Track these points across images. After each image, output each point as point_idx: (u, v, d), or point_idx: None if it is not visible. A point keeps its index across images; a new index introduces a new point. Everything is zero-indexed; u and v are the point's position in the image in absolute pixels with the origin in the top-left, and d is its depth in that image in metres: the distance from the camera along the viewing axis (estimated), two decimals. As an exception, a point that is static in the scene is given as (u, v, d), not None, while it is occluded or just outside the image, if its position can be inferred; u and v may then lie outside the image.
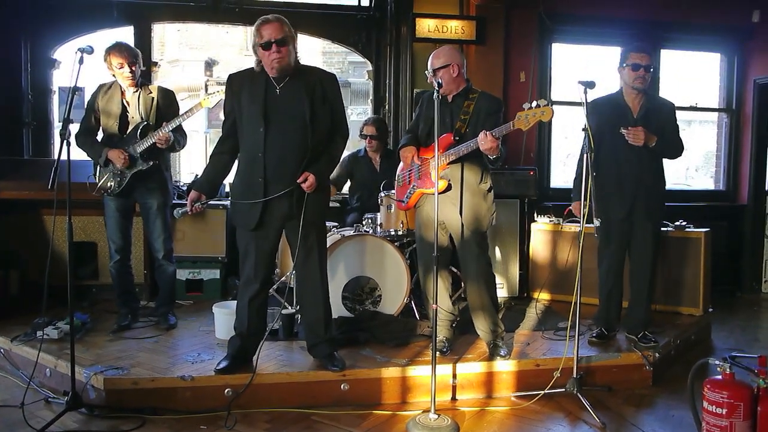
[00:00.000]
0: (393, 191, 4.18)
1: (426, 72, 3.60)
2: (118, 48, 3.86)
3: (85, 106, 4.04)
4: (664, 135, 3.79)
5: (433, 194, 3.19)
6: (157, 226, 4.06)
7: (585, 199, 3.31)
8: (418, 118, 3.77)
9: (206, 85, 12.97)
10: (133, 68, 3.88)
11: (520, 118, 3.26)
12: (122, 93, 3.97)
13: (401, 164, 3.79)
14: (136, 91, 3.96)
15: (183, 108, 4.02)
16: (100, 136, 4.04)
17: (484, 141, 3.27)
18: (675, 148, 3.89)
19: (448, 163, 3.48)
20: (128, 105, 3.96)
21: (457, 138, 3.47)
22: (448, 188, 3.50)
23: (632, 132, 3.70)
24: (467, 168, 3.51)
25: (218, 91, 3.73)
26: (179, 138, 4.00)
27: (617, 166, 3.82)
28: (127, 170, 3.90)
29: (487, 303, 3.60)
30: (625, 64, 3.79)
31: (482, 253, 3.60)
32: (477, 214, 3.54)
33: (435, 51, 3.60)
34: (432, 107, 3.58)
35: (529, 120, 3.25)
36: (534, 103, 3.25)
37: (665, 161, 3.98)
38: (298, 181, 3.16)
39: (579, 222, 3.62)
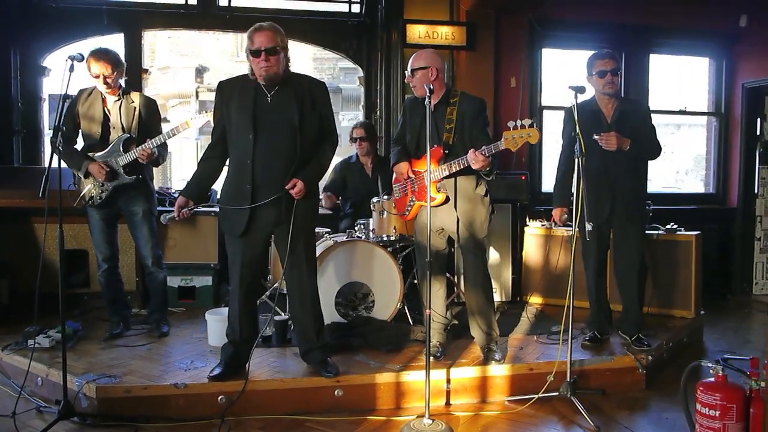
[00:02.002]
0: (386, 197, 4.18)
1: (405, 71, 3.62)
2: (96, 55, 3.74)
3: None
4: (640, 137, 3.78)
5: (434, 206, 3.25)
6: (143, 233, 4.02)
7: (578, 203, 3.32)
8: (403, 127, 3.76)
9: (197, 92, 12.95)
10: (109, 79, 3.76)
11: (508, 138, 3.25)
12: (103, 100, 3.88)
13: (395, 176, 3.79)
14: (118, 99, 3.88)
15: (166, 114, 3.99)
16: (80, 142, 3.95)
17: (475, 160, 3.27)
18: (651, 149, 3.87)
19: (442, 178, 3.49)
20: (110, 113, 3.88)
21: (447, 151, 3.47)
22: (447, 200, 3.52)
23: (605, 137, 3.70)
24: (461, 176, 3.51)
25: (206, 112, 3.71)
26: (162, 152, 3.95)
27: (594, 172, 3.77)
28: (108, 183, 3.85)
29: (483, 306, 3.62)
30: (592, 73, 3.81)
31: (480, 257, 3.62)
32: (475, 220, 3.55)
33: (416, 53, 3.61)
34: (415, 115, 3.60)
35: (516, 141, 3.24)
36: (519, 123, 3.24)
37: (651, 164, 3.98)
38: (286, 187, 3.16)
39: (571, 226, 3.64)
